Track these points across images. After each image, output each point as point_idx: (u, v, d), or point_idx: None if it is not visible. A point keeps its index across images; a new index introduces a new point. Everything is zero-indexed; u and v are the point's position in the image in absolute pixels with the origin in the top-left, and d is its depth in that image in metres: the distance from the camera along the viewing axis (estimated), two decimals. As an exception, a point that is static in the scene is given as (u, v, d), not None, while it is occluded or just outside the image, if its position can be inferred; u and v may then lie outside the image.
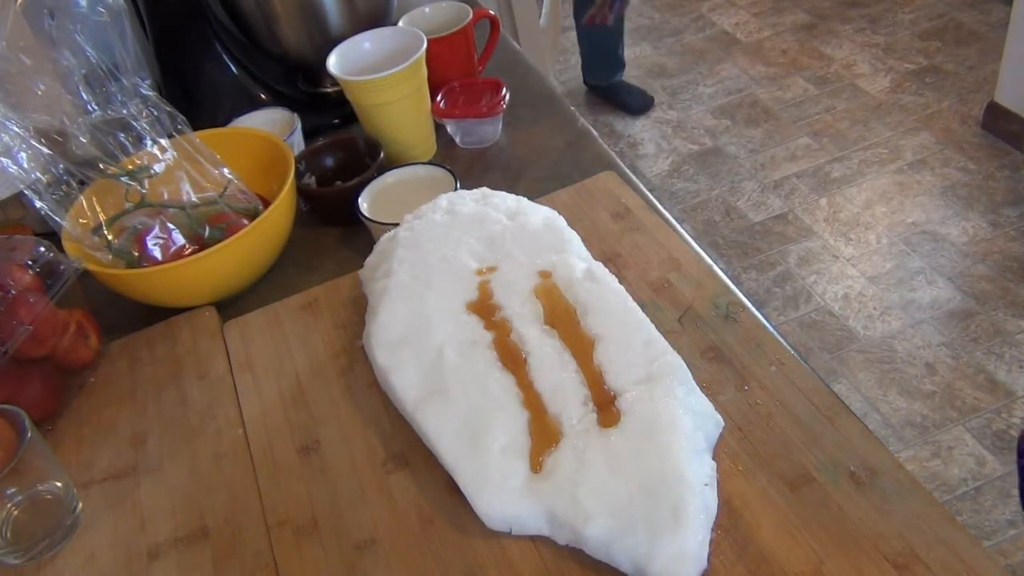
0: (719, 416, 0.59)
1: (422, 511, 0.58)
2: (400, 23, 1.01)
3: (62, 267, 0.73)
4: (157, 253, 0.78)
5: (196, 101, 1.01)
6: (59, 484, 0.63)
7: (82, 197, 0.80)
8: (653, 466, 0.53)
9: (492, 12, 1.03)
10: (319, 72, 1.06)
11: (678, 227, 0.77)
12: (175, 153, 0.82)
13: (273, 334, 0.75)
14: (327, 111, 1.05)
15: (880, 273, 1.96)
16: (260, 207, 0.83)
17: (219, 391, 0.71)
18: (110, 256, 0.78)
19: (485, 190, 0.77)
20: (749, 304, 0.68)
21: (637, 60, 2.83)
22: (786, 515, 0.53)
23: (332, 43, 0.93)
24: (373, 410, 0.66)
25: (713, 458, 0.56)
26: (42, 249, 0.74)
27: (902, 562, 0.50)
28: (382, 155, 0.87)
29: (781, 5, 2.95)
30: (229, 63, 1.03)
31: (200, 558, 0.59)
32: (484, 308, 0.66)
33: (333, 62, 0.91)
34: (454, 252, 0.70)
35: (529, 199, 0.77)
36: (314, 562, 0.57)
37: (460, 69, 1.00)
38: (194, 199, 0.82)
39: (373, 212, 0.82)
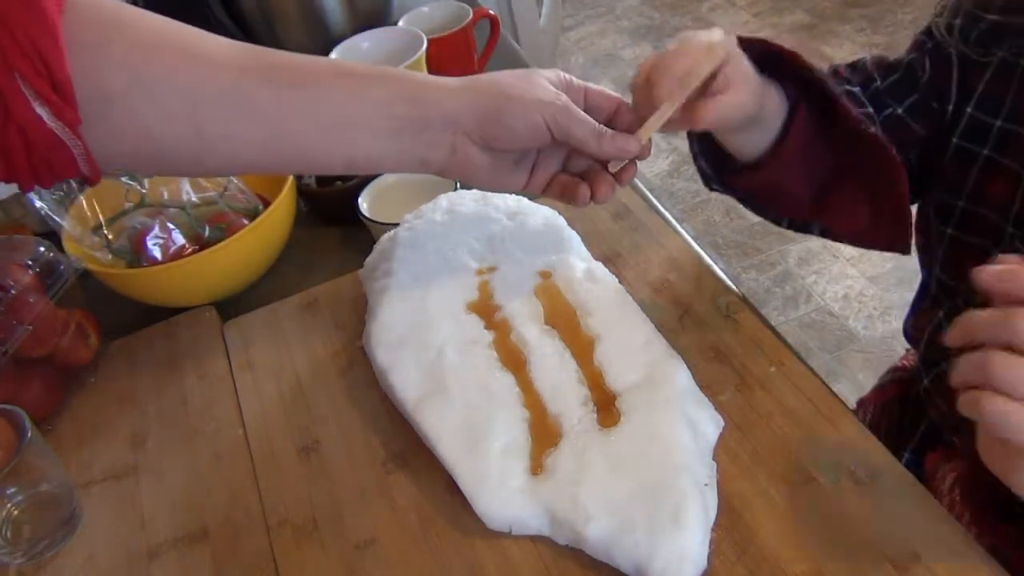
0: (719, 416, 0.59)
1: (422, 511, 0.58)
2: (400, 23, 1.01)
3: (62, 267, 0.73)
4: (157, 253, 0.78)
5: (196, 101, 1.01)
6: (59, 484, 0.63)
7: (82, 197, 0.80)
8: (653, 466, 0.53)
9: (492, 12, 1.03)
10: (319, 72, 1.06)
11: (678, 227, 0.77)
12: (175, 153, 0.82)
13: (273, 334, 0.75)
14: (327, 111, 1.04)
15: (880, 273, 1.96)
16: (260, 207, 0.83)
17: (219, 391, 0.71)
18: (110, 256, 0.78)
19: (485, 190, 0.77)
20: (749, 304, 0.68)
21: (637, 60, 2.83)
22: (786, 515, 0.53)
23: (332, 43, 0.94)
24: (373, 410, 0.66)
25: (713, 458, 0.56)
26: (42, 249, 0.74)
27: (902, 562, 0.49)
28: (382, 155, 0.87)
29: (781, 5, 2.95)
30: (229, 63, 1.03)
31: (200, 558, 0.59)
32: (484, 308, 0.66)
33: (333, 62, 0.91)
34: (454, 252, 0.70)
35: (529, 199, 0.77)
36: (314, 562, 0.57)
37: (460, 69, 1.00)
38: (194, 199, 0.82)
39: (373, 212, 0.82)
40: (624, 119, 0.61)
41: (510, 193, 0.64)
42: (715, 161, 0.67)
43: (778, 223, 0.71)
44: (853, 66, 0.69)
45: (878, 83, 0.67)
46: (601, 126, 0.58)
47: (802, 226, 0.69)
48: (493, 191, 0.69)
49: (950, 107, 0.64)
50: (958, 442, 0.70)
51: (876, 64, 0.68)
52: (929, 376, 0.72)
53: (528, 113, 0.57)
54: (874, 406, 0.83)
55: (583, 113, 0.58)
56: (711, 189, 0.70)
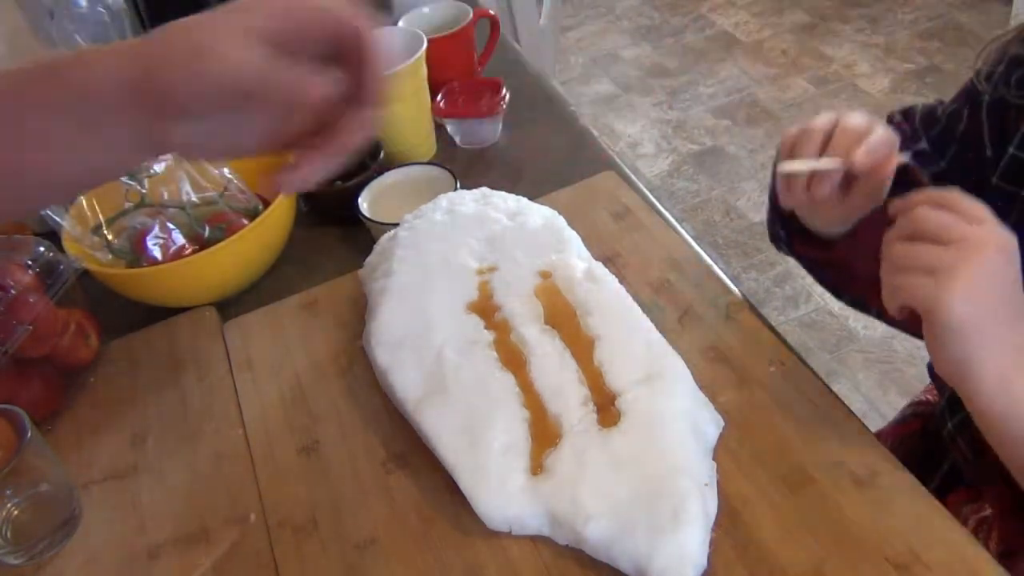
0: (719, 416, 0.59)
1: (422, 511, 0.58)
2: (400, 23, 1.01)
3: (62, 267, 0.73)
4: (157, 253, 0.78)
5: (196, 101, 1.01)
6: (59, 484, 0.63)
7: (82, 197, 0.80)
8: (653, 466, 0.53)
9: (492, 12, 1.03)
10: (319, 72, 1.06)
11: (678, 227, 0.77)
12: (175, 153, 0.82)
13: (273, 334, 0.75)
14: (327, 111, 1.04)
15: (880, 273, 1.95)
16: (260, 207, 0.83)
17: (219, 391, 0.71)
18: (110, 256, 0.78)
19: (485, 190, 0.77)
20: (749, 304, 0.68)
21: (637, 60, 2.83)
22: (786, 515, 0.53)
23: (332, 43, 0.93)
24: (373, 410, 0.66)
25: (713, 458, 0.56)
26: (42, 249, 0.74)
27: (902, 562, 0.50)
28: (382, 155, 0.87)
29: (781, 5, 2.95)
30: (229, 63, 1.03)
31: (200, 558, 0.59)
32: (484, 308, 0.66)
33: (333, 62, 0.91)
34: (454, 252, 0.70)
35: (529, 199, 0.77)
36: (314, 562, 0.57)
37: (460, 69, 1.00)
38: (194, 199, 0.82)
39: (373, 212, 0.82)
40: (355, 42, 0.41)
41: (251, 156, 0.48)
42: (790, 227, 0.67)
43: (839, 298, 0.71)
44: (905, 114, 0.70)
45: (923, 143, 0.68)
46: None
47: (862, 306, 0.70)
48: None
49: (988, 153, 0.64)
50: (984, 489, 0.69)
51: (924, 120, 0.69)
52: (954, 419, 0.71)
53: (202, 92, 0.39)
54: (893, 439, 0.82)
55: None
56: (779, 249, 0.71)
